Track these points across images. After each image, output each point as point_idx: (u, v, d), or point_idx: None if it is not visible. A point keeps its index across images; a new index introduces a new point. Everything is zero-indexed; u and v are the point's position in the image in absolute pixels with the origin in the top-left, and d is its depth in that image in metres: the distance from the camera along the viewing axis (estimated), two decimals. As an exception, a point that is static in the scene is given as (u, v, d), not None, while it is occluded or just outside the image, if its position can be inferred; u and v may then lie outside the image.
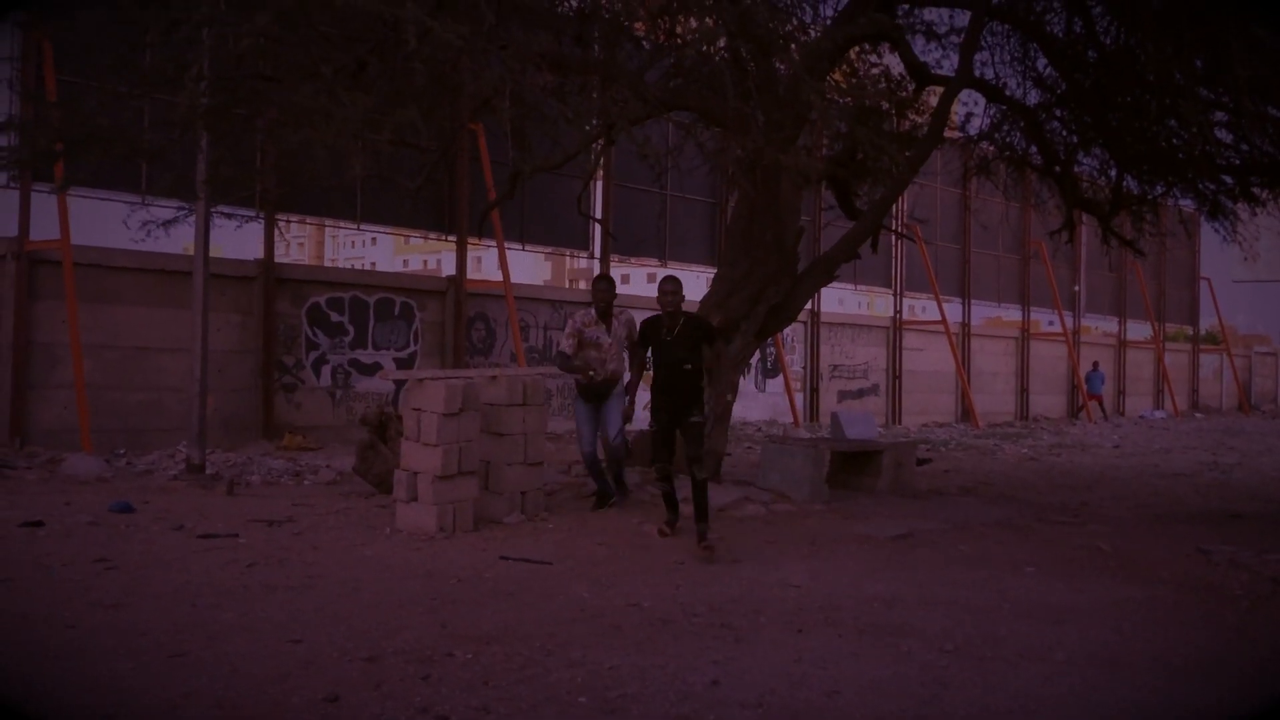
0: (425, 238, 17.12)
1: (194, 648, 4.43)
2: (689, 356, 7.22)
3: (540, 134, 11.40)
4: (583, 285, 20.75)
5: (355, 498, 9.31)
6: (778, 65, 8.98)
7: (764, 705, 3.98)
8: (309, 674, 4.16)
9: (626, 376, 8.32)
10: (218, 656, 4.33)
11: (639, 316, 8.29)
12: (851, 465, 10.25)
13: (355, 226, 16.12)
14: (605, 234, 17.10)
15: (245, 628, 4.80)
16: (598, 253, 18.27)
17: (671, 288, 7.38)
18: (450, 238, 16.14)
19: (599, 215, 17.09)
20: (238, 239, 16.52)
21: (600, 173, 16.16)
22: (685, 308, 7.54)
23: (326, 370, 14.77)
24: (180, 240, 12.68)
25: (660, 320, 7.41)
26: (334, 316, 14.90)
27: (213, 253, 11.56)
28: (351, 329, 15.04)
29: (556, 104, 9.04)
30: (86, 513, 7.72)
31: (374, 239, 25.77)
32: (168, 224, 12.42)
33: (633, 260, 20.13)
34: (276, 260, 14.43)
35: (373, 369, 15.17)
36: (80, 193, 12.19)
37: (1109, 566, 7.00)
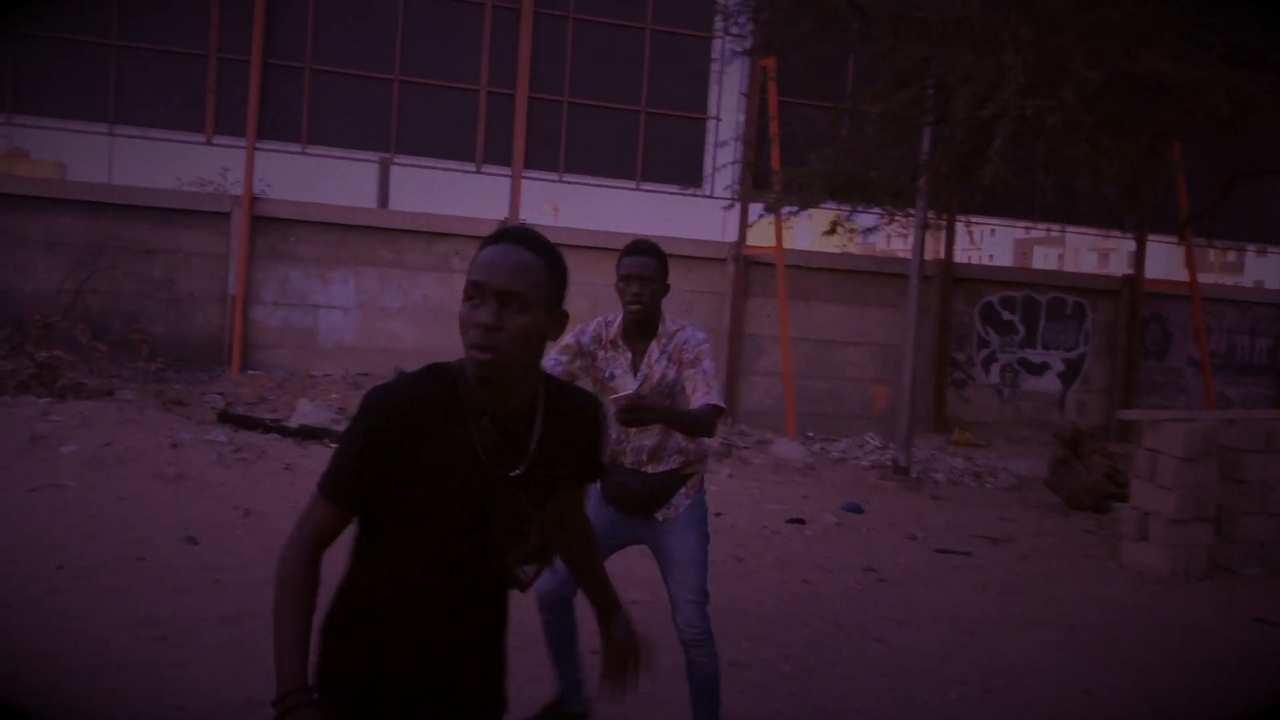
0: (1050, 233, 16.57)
1: (998, 685, 4.95)
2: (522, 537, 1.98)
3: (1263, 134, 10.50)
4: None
5: (1050, 512, 9.52)
6: None
7: None
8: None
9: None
10: (1023, 696, 4.82)
11: None
12: None
13: (1039, 229, 16.14)
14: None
15: (1032, 667, 5.24)
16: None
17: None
18: (1129, 236, 15.52)
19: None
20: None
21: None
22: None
23: (995, 368, 15.03)
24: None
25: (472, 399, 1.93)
26: (1005, 315, 15.08)
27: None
28: (1022, 328, 15.12)
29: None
30: (827, 510, 8.80)
31: (993, 230, 25.77)
32: (869, 230, 13.54)
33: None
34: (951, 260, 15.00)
35: (1040, 369, 15.15)
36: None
37: None
